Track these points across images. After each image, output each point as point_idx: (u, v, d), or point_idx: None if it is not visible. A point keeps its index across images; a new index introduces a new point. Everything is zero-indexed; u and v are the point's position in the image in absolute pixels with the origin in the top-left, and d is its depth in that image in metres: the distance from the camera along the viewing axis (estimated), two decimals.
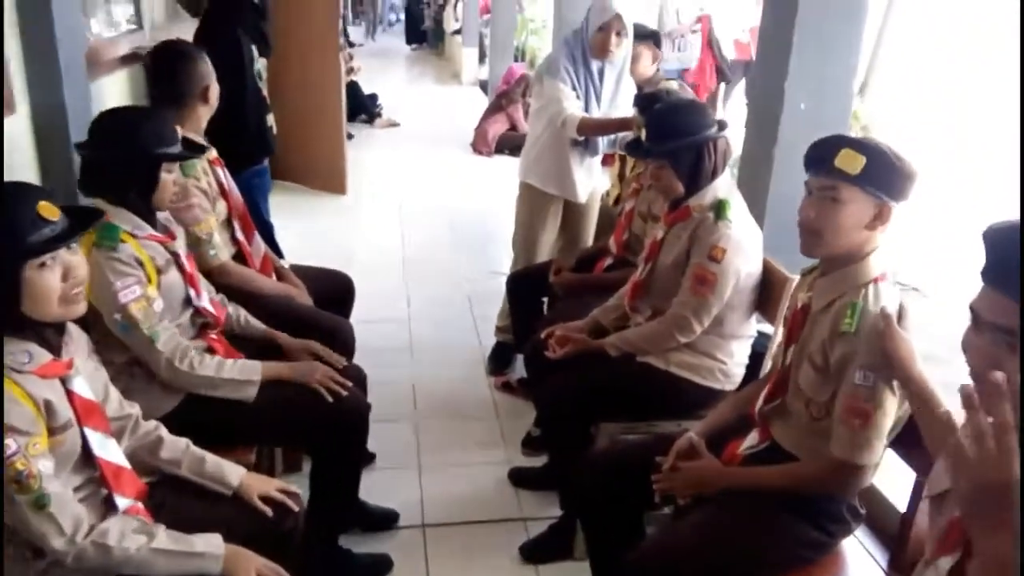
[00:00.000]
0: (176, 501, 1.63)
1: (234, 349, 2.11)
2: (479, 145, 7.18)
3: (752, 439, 1.78)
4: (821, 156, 1.55)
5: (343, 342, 2.54)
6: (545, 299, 3.03)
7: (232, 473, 1.68)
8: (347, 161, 5.88)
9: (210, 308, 2.07)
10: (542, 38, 10.75)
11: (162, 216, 2.05)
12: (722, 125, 2.13)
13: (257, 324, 2.28)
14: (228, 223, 2.56)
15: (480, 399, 3.20)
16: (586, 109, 3.06)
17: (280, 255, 3.24)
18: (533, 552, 2.33)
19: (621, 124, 2.95)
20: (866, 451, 1.54)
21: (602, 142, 3.13)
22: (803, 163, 1.59)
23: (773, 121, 2.34)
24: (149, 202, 1.95)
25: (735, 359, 2.22)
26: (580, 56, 3.02)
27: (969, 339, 1.04)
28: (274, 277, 2.66)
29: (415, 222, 5.38)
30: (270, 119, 3.24)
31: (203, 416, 1.91)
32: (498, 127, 7.15)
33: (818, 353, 1.61)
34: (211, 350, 2.03)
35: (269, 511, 1.64)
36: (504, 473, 2.70)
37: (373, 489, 2.59)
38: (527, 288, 3.07)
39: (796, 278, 2.08)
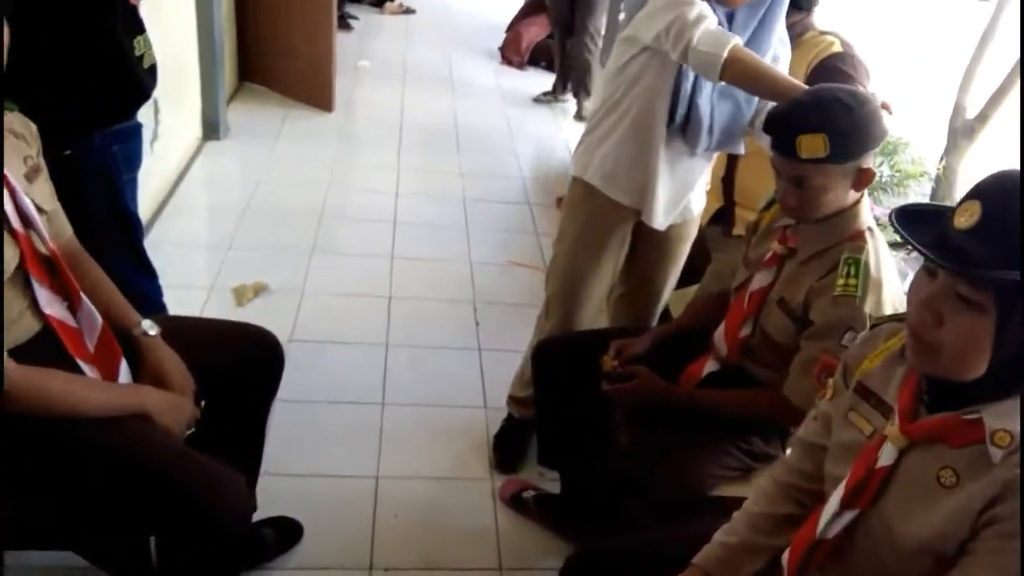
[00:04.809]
0: None
1: None
2: (509, 53, 5.74)
3: None
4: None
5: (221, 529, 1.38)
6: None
7: None
8: (336, 66, 4.51)
9: None
10: None
11: None
12: None
13: None
14: (23, 281, 1.35)
15: (475, 522, 2.07)
16: (691, 79, 1.77)
17: (151, 293, 2.03)
18: None
19: (793, 89, 1.55)
20: None
21: (705, 136, 1.83)
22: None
23: None
24: None
25: None
26: None
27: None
28: (121, 373, 1.47)
29: (416, 162, 4.08)
30: (141, 44, 1.82)
31: None
32: (535, 32, 5.69)
33: None
34: None
35: None
36: None
37: None
38: (562, 367, 1.90)
39: None
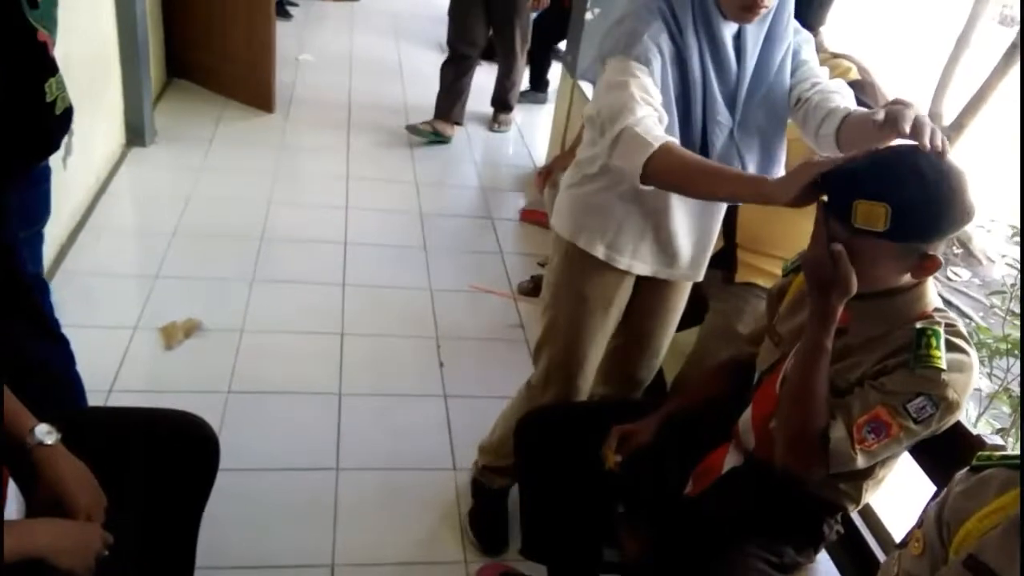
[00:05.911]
0: None
1: None
2: None
3: None
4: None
5: None
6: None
7: None
8: (276, 61, 4.12)
9: None
10: None
11: None
12: None
13: None
14: None
15: None
16: (698, 129, 1.48)
17: (55, 364, 1.66)
18: None
19: (764, 191, 1.25)
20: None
21: None
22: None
23: None
24: None
25: None
26: (696, 9, 1.42)
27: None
28: (9, 499, 1.15)
29: (367, 171, 3.75)
30: (53, 87, 1.46)
31: None
32: None
33: None
34: None
35: None
36: None
37: None
38: (552, 447, 1.63)
39: None
